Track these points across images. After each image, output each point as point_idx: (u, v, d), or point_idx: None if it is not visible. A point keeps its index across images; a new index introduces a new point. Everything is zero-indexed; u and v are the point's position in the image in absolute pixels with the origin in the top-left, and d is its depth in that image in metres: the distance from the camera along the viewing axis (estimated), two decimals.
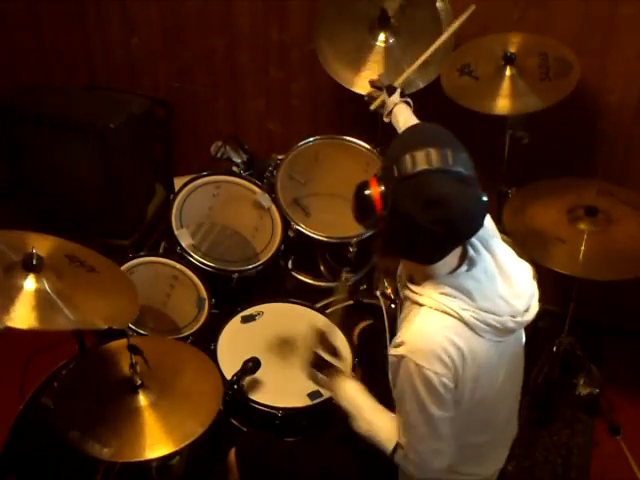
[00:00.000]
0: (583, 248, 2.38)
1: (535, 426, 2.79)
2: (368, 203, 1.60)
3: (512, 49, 2.59)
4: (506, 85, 2.55)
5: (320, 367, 2.01)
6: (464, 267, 1.67)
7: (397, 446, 1.75)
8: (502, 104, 2.52)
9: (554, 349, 2.76)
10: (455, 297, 1.63)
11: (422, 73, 2.66)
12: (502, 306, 1.66)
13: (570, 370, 2.83)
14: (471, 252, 1.69)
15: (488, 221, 1.79)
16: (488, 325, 1.64)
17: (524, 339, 1.85)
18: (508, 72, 2.56)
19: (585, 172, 2.65)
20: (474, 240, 1.71)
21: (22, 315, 1.72)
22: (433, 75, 2.66)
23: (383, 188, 1.59)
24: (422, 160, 1.54)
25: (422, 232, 1.56)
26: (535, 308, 1.74)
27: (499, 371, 1.74)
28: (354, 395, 1.90)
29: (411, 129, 1.76)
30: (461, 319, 1.61)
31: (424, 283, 1.67)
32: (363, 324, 2.53)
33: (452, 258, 1.67)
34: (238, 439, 2.15)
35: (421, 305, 1.66)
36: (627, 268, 2.36)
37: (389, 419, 1.79)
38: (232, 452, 2.08)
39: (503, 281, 1.69)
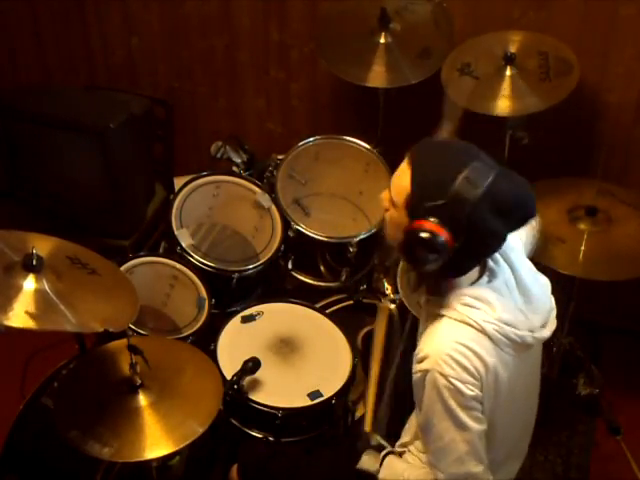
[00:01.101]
0: (583, 248, 2.38)
1: (535, 426, 2.78)
2: (438, 247, 1.53)
3: (512, 49, 2.59)
4: (506, 85, 2.55)
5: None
6: (485, 278, 1.65)
7: None
8: (502, 104, 2.52)
9: (554, 349, 2.75)
10: (477, 308, 1.61)
11: (414, 69, 2.67)
12: (521, 320, 1.64)
13: (570, 370, 2.83)
14: (491, 264, 1.68)
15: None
16: (509, 339, 1.62)
17: (540, 357, 1.83)
18: (508, 72, 2.56)
19: (585, 172, 2.65)
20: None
21: (21, 315, 1.72)
22: (427, 72, 2.66)
23: (440, 221, 1.53)
24: (477, 176, 1.53)
25: (498, 239, 1.58)
26: (553, 324, 1.72)
27: (517, 388, 1.72)
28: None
29: (434, 152, 1.63)
30: (483, 331, 1.59)
31: (446, 295, 1.65)
32: (366, 329, 2.52)
33: (474, 270, 1.66)
34: (240, 454, 2.14)
35: (442, 316, 1.63)
36: (627, 268, 2.37)
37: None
38: (234, 468, 2.07)
39: (521, 295, 1.67)
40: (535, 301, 1.69)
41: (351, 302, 2.72)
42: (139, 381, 1.92)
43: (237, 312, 2.53)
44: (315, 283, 2.79)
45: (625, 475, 2.63)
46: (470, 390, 1.58)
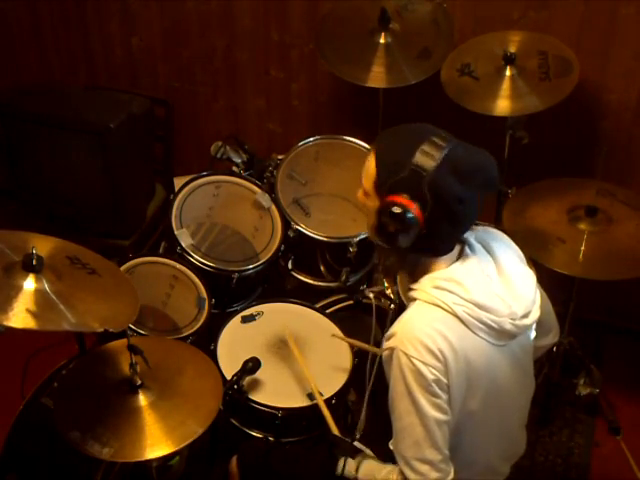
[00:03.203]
0: (583, 248, 2.38)
1: (535, 426, 2.79)
2: (407, 220, 1.58)
3: (512, 48, 2.59)
4: (506, 85, 2.55)
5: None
6: (458, 263, 1.68)
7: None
8: (502, 105, 2.52)
9: (554, 349, 2.76)
10: (449, 290, 1.62)
11: (414, 69, 2.67)
12: (500, 305, 1.65)
13: (570, 370, 2.83)
14: (467, 250, 1.70)
15: (496, 231, 1.81)
16: (482, 323, 1.62)
17: (530, 354, 1.82)
18: (508, 72, 2.56)
19: (585, 172, 2.65)
20: (472, 240, 1.72)
21: (21, 315, 1.72)
22: (427, 72, 2.66)
23: (406, 194, 1.59)
24: (433, 147, 1.59)
25: (469, 204, 1.60)
26: (535, 314, 1.72)
27: (501, 381, 1.71)
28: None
29: (392, 134, 1.71)
30: (453, 313, 1.61)
31: (421, 279, 1.68)
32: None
33: (451, 256, 1.68)
34: (239, 447, 2.14)
35: (415, 299, 1.66)
36: (627, 268, 2.36)
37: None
38: (233, 460, 2.07)
39: (503, 283, 1.68)
40: (516, 289, 1.69)
41: (351, 302, 2.72)
42: (139, 381, 1.92)
43: (237, 312, 2.53)
44: (315, 283, 2.79)
45: (625, 475, 2.63)
46: (432, 374, 1.58)
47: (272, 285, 2.78)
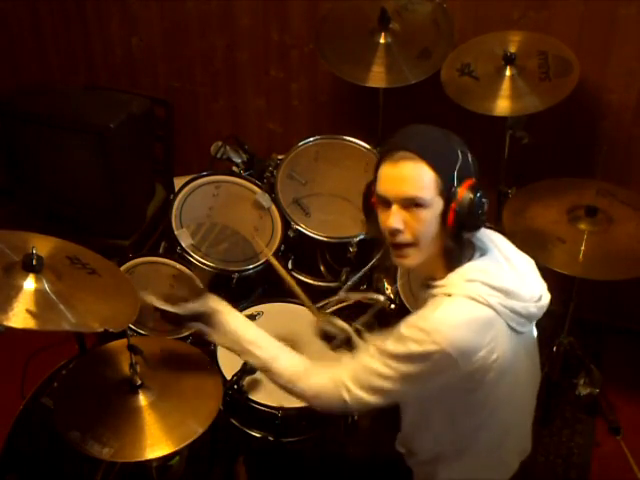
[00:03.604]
0: (583, 248, 2.38)
1: (535, 426, 2.78)
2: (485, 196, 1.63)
3: (512, 48, 2.59)
4: (506, 85, 2.55)
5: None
6: (477, 254, 1.68)
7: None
8: (502, 105, 2.52)
9: (554, 349, 2.76)
10: (481, 282, 1.61)
11: (414, 69, 2.67)
12: (522, 291, 1.65)
13: (570, 370, 2.83)
14: (478, 242, 1.70)
15: None
16: (513, 311, 1.62)
17: (536, 335, 1.83)
18: (508, 72, 2.56)
19: (585, 172, 2.65)
20: (478, 235, 1.71)
21: (20, 315, 1.72)
22: (427, 72, 2.66)
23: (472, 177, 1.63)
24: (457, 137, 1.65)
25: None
26: (547, 297, 1.74)
27: (521, 365, 1.72)
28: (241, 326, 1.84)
29: (430, 140, 1.67)
30: (489, 305, 1.59)
31: (448, 276, 1.65)
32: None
33: (468, 249, 1.68)
34: (246, 447, 2.14)
35: (449, 295, 1.62)
36: (627, 268, 2.36)
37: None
38: (240, 460, 2.07)
39: (512, 270, 1.69)
40: (525, 276, 1.71)
41: (351, 302, 2.71)
42: (139, 381, 1.92)
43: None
44: (315, 283, 2.79)
45: (625, 475, 2.63)
46: (465, 364, 1.57)
47: (272, 285, 2.78)
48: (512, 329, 1.63)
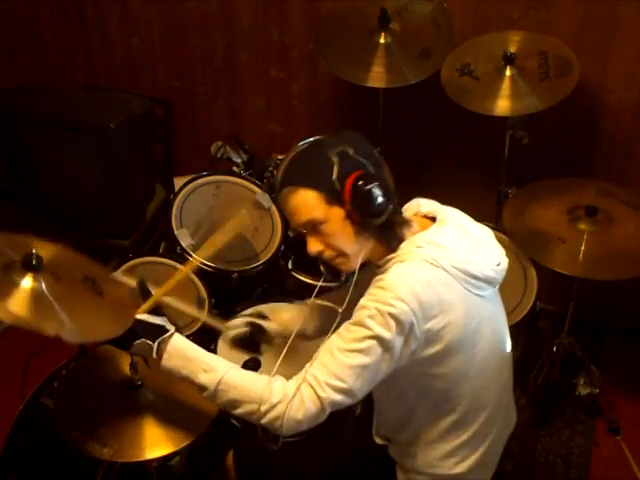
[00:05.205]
0: (583, 248, 2.38)
1: (535, 426, 2.79)
2: (381, 183, 1.66)
3: (512, 48, 2.59)
4: (506, 85, 2.55)
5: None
6: (434, 226, 1.72)
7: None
8: (502, 105, 2.52)
9: (554, 349, 2.76)
10: (431, 247, 1.65)
11: (414, 69, 2.67)
12: (478, 257, 1.69)
13: (570, 370, 2.83)
14: (432, 214, 1.76)
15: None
16: (468, 274, 1.65)
17: (501, 302, 1.84)
18: (508, 72, 2.56)
19: (585, 172, 2.65)
20: (429, 207, 1.78)
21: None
22: (427, 72, 2.66)
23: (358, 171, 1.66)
24: (332, 142, 1.70)
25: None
26: (505, 262, 1.77)
27: (485, 330, 1.72)
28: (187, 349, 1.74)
29: (298, 163, 1.76)
30: (441, 267, 1.63)
31: (399, 247, 1.69)
32: None
33: (416, 224, 1.72)
34: (236, 441, 2.14)
35: (402, 261, 1.66)
36: (627, 268, 2.36)
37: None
38: (230, 454, 2.07)
39: (469, 239, 1.72)
40: (482, 242, 1.75)
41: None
42: (139, 381, 1.92)
43: (237, 312, 2.52)
44: (315, 283, 2.79)
45: (625, 475, 2.63)
46: (411, 320, 1.58)
47: (272, 285, 2.78)
48: (471, 292, 1.66)
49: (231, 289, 2.61)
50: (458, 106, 2.53)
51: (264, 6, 3.12)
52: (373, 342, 1.60)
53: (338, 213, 1.67)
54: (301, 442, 2.13)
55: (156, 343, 1.72)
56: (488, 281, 1.71)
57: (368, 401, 1.98)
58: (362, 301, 1.64)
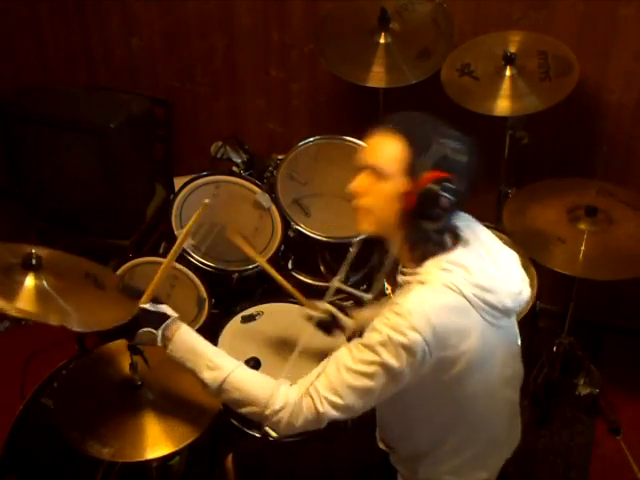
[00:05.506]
0: (583, 248, 2.38)
1: (535, 426, 2.79)
2: (455, 191, 1.61)
3: (512, 48, 2.59)
4: (506, 85, 2.55)
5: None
6: (460, 246, 1.67)
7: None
8: (502, 105, 2.53)
9: (554, 349, 2.76)
10: (455, 272, 1.62)
11: (414, 69, 2.67)
12: (499, 285, 1.66)
13: (570, 370, 2.83)
14: (461, 233, 1.70)
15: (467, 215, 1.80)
16: (487, 304, 1.62)
17: (518, 335, 1.82)
18: (508, 72, 2.56)
19: (585, 172, 2.65)
20: (461, 223, 1.71)
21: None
22: (427, 72, 2.66)
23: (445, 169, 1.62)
24: (457, 138, 1.64)
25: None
26: (528, 292, 1.75)
27: (496, 360, 1.72)
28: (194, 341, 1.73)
29: (416, 122, 1.70)
30: (462, 294, 1.60)
31: (423, 263, 1.66)
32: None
33: (447, 238, 1.67)
34: (235, 444, 2.14)
35: (423, 283, 1.63)
36: (627, 268, 2.36)
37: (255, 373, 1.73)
38: (229, 457, 2.07)
39: (493, 263, 1.69)
40: (506, 268, 1.71)
41: (351, 302, 2.71)
42: (139, 381, 1.92)
43: (237, 312, 2.53)
44: (315, 283, 2.79)
45: (625, 475, 2.63)
46: (424, 348, 1.55)
47: (272, 285, 2.78)
48: (487, 321, 1.64)
49: (231, 289, 2.61)
50: (458, 106, 2.53)
51: (264, 6, 3.12)
52: (380, 369, 1.58)
53: (401, 186, 1.62)
54: (301, 444, 2.13)
55: (160, 331, 1.71)
56: (506, 312, 1.68)
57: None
58: (375, 322, 1.61)
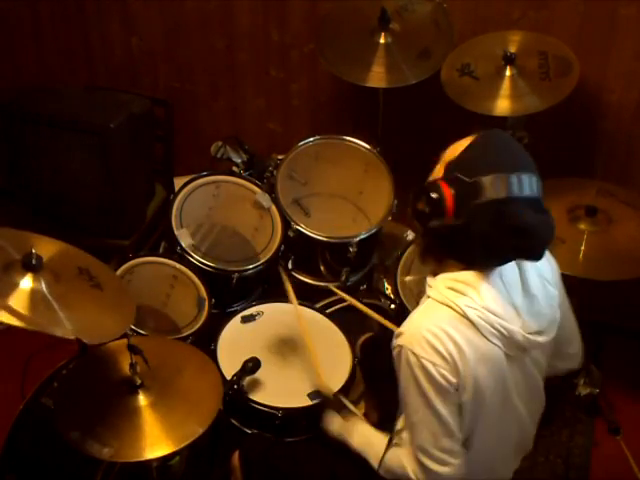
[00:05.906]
0: (583, 248, 2.38)
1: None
2: (438, 208, 1.57)
3: (512, 48, 2.59)
4: (506, 85, 2.55)
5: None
6: (490, 271, 1.64)
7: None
8: (502, 104, 2.53)
9: None
10: (462, 293, 1.61)
11: (414, 69, 2.67)
12: (512, 315, 1.63)
13: None
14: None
15: None
16: (494, 328, 1.60)
17: (542, 375, 1.82)
18: (508, 72, 2.56)
19: (585, 172, 2.65)
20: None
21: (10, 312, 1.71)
22: (427, 72, 2.66)
23: (454, 192, 1.57)
24: (509, 185, 1.57)
25: (495, 249, 1.59)
26: (551, 334, 1.72)
27: (512, 387, 1.71)
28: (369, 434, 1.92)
29: (496, 143, 1.67)
30: (464, 315, 1.59)
31: (438, 276, 1.66)
32: (365, 336, 2.48)
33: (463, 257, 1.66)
34: (242, 442, 2.14)
35: (428, 297, 1.65)
36: (627, 268, 2.37)
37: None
38: (235, 455, 2.07)
39: (523, 295, 1.66)
40: (537, 305, 1.68)
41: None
42: (139, 381, 1.92)
43: (237, 312, 2.53)
44: (315, 283, 2.79)
45: (625, 475, 2.63)
46: (439, 373, 1.58)
47: (272, 285, 2.78)
48: (497, 346, 1.62)
49: (231, 289, 2.60)
50: (458, 106, 2.53)
51: (264, 6, 3.12)
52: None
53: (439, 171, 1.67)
54: (306, 442, 2.14)
55: None
56: (515, 344, 1.65)
57: (382, 411, 2.00)
58: (395, 340, 1.66)
